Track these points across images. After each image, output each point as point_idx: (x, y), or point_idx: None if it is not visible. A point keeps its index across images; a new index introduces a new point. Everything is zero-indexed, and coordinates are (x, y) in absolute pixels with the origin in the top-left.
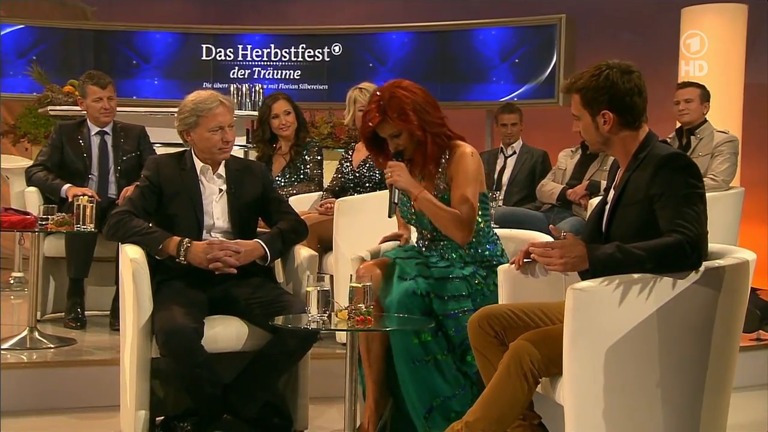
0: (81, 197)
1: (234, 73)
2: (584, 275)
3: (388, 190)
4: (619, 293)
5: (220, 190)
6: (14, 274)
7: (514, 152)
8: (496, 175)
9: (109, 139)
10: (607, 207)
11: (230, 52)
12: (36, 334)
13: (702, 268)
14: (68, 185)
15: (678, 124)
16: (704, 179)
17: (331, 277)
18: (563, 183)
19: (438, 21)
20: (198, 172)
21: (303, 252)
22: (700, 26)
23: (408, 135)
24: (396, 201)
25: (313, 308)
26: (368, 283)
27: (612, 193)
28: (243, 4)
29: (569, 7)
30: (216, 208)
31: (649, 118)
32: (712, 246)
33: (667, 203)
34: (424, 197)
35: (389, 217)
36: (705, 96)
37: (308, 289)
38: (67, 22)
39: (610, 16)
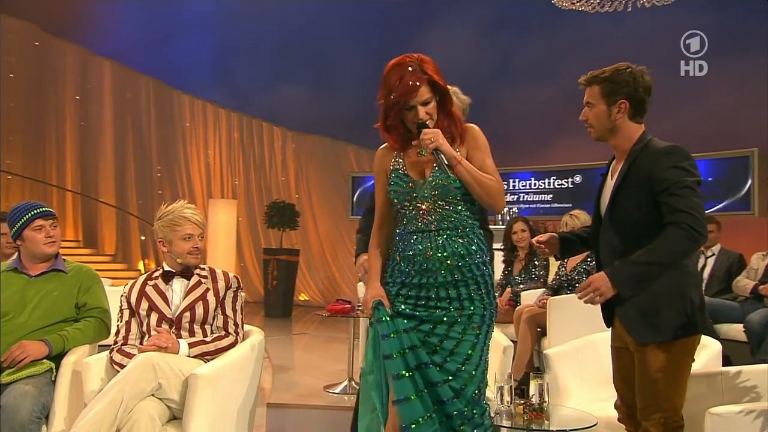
0: None
1: (506, 197)
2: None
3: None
4: (759, 422)
5: None
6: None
7: (713, 254)
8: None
9: None
10: (608, 193)
11: (504, 185)
12: (352, 383)
13: None
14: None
15: None
16: None
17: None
18: (755, 280)
19: None
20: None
21: (500, 340)
22: None
23: (435, 103)
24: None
25: (499, 400)
26: (543, 382)
27: (610, 181)
28: (521, 149)
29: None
30: None
31: None
32: None
33: (667, 196)
34: (466, 163)
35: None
36: None
37: (498, 385)
38: None
39: None
